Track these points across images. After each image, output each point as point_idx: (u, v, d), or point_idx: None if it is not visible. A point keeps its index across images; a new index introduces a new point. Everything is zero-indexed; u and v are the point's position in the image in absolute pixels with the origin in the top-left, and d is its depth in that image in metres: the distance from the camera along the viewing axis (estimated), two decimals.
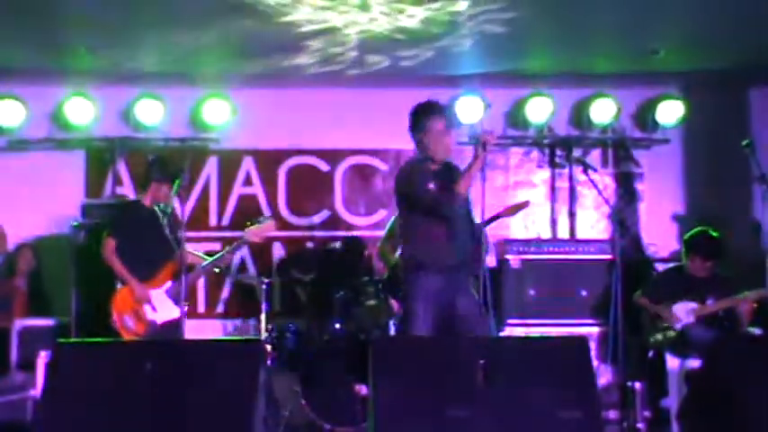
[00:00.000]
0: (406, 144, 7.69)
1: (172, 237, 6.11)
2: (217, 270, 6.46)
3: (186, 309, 5.92)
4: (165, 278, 6.04)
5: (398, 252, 6.33)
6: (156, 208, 6.15)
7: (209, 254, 6.43)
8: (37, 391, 5.86)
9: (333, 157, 8.26)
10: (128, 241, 6.05)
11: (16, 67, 7.46)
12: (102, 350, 4.66)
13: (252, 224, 6.19)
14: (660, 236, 8.12)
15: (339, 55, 7.30)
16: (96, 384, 4.42)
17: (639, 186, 8.34)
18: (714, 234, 6.80)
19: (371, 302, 6.86)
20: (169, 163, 6.27)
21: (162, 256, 6.05)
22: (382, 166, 8.24)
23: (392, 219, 6.78)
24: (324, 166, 8.26)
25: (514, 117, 8.21)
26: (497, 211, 6.35)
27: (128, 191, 8.01)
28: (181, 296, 5.83)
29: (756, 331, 6.55)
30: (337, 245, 7.95)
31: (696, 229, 6.94)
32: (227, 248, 6.29)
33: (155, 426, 4.33)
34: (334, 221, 8.21)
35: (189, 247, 6.24)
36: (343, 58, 7.36)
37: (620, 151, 8.32)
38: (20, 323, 6.85)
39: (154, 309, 6.00)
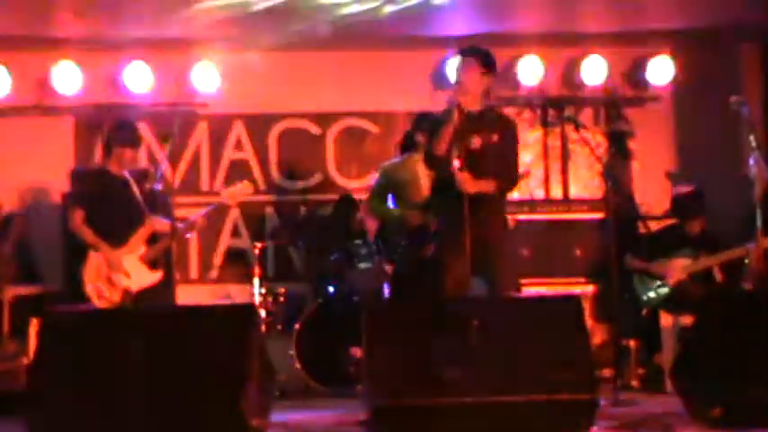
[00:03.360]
0: (398, 106, 7.70)
1: (154, 201, 6.04)
2: (189, 235, 6.38)
3: (161, 275, 5.85)
4: (137, 244, 5.96)
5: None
6: (126, 173, 6.04)
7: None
8: (28, 359, 5.84)
9: (324, 120, 8.21)
10: (96, 209, 5.96)
11: (2, 34, 7.38)
12: (93, 317, 4.66)
13: (228, 187, 6.16)
14: (652, 194, 8.11)
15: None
16: (88, 352, 4.43)
17: (631, 145, 8.32)
18: (692, 191, 6.82)
19: (365, 265, 6.86)
20: (131, 127, 6.15)
21: (133, 221, 5.97)
22: (374, 129, 8.19)
23: (380, 174, 6.68)
24: (315, 129, 8.21)
25: (505, 78, 8.15)
26: None
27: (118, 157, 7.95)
28: (157, 261, 5.77)
29: (748, 286, 6.57)
30: (330, 208, 7.92)
31: (676, 192, 6.96)
32: (199, 213, 6.20)
33: (147, 392, 4.33)
34: (326, 185, 8.18)
35: (181, 213, 6.22)
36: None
37: (612, 110, 8.29)
38: (10, 291, 6.84)
39: (128, 275, 5.91)
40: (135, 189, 6.01)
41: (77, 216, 5.94)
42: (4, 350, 6.42)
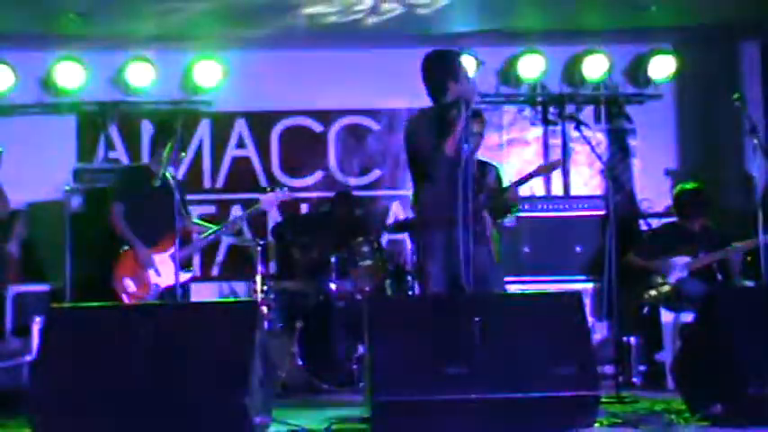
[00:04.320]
0: (400, 103, 7.70)
1: (179, 202, 6.11)
2: (228, 236, 6.46)
3: (192, 275, 5.94)
4: (169, 243, 6.03)
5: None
6: (167, 173, 6.11)
7: (204, 218, 6.44)
8: (32, 357, 5.87)
9: (326, 117, 8.24)
10: (134, 206, 6.05)
11: (5, 32, 7.40)
12: (96, 315, 4.67)
13: (267, 191, 6.23)
14: (653, 191, 8.13)
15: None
16: (91, 349, 4.44)
17: (632, 142, 8.34)
18: (696, 189, 6.83)
19: (367, 262, 6.88)
20: (169, 126, 6.23)
21: (168, 221, 6.02)
22: (376, 126, 8.21)
23: None
24: (317, 127, 8.23)
25: (507, 74, 8.17)
26: (529, 171, 6.35)
27: (120, 155, 7.99)
28: (187, 261, 5.84)
29: (748, 283, 6.59)
30: (329, 203, 7.94)
31: (686, 184, 6.96)
32: (237, 216, 6.31)
33: (150, 389, 4.35)
34: (328, 182, 8.20)
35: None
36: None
37: (613, 107, 8.31)
38: (14, 289, 6.85)
39: (158, 273, 6.01)
40: (173, 188, 6.07)
41: (116, 210, 6.01)
42: (7, 348, 6.44)
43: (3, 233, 7.32)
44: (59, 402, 4.38)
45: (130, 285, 5.96)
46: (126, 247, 6.04)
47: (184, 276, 6.02)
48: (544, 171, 6.77)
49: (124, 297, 5.94)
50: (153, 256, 6.01)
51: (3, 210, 5.97)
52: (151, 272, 5.99)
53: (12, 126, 7.83)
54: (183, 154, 6.14)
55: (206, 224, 6.39)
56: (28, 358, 6.07)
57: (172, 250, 6.00)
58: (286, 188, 6.55)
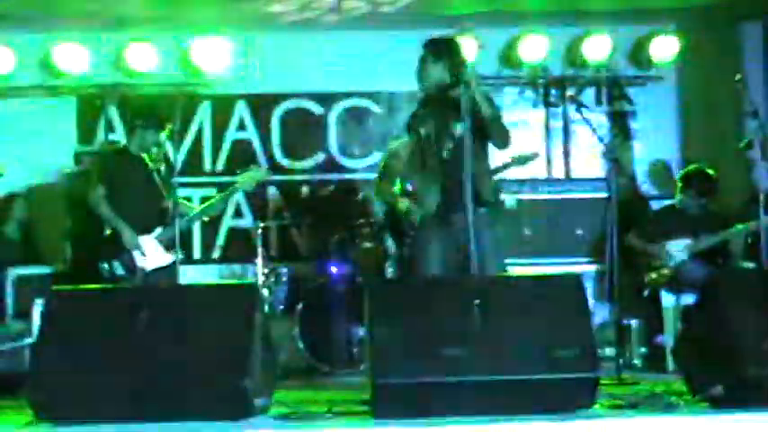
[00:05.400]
0: (400, 86, 7.68)
1: (162, 183, 6.09)
2: (206, 219, 6.45)
3: (178, 256, 5.92)
4: (153, 225, 6.03)
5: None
6: (145, 155, 6.12)
7: (205, 199, 6.44)
8: (33, 340, 5.87)
9: (326, 99, 8.22)
10: (116, 188, 6.04)
11: (4, 14, 7.37)
12: (96, 297, 4.68)
13: (243, 171, 6.19)
14: (654, 174, 8.13)
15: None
16: (91, 332, 4.45)
17: (634, 124, 8.32)
18: (708, 171, 6.82)
19: (367, 245, 6.87)
20: (155, 110, 6.21)
21: (151, 202, 6.04)
22: (376, 109, 8.19)
23: (384, 156, 6.70)
24: (317, 110, 8.22)
25: (508, 57, 8.14)
26: (503, 162, 6.35)
27: (120, 137, 7.97)
28: (172, 243, 5.84)
29: (749, 266, 6.58)
30: (331, 188, 7.93)
31: (691, 166, 6.95)
32: (218, 196, 6.31)
33: (151, 371, 4.35)
34: (328, 164, 8.19)
35: (183, 192, 6.26)
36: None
37: (615, 89, 8.28)
38: (14, 272, 6.86)
39: (143, 255, 6.00)
40: (154, 170, 6.07)
41: (98, 192, 6.00)
42: (8, 331, 6.45)
43: (2, 216, 7.33)
44: (60, 385, 4.39)
45: (117, 268, 5.95)
46: (111, 230, 6.03)
47: (168, 258, 6.01)
48: (518, 162, 6.78)
49: (113, 280, 5.91)
50: (138, 238, 5.99)
51: None
52: (137, 254, 5.98)
53: (12, 108, 7.82)
54: (169, 136, 6.10)
55: (189, 205, 6.37)
56: (29, 341, 6.09)
57: (157, 231, 6.00)
58: (264, 167, 6.49)
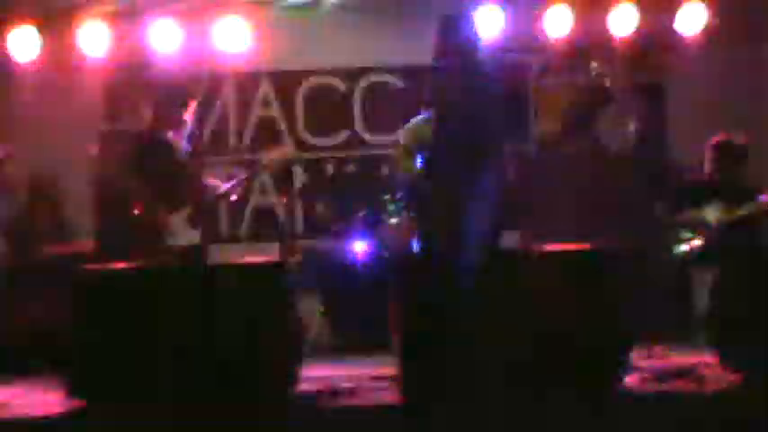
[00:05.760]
0: (424, 60, 7.62)
1: (189, 162, 6.10)
2: (234, 197, 6.45)
3: (206, 234, 5.94)
4: (183, 204, 6.04)
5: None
6: (170, 134, 6.12)
7: (230, 177, 6.43)
8: (65, 318, 5.90)
9: (350, 76, 8.18)
10: (146, 166, 6.05)
11: None
12: (126, 275, 4.70)
13: (268, 150, 6.19)
14: (685, 144, 8.02)
15: None
16: (120, 309, 4.47)
17: (662, 95, 8.21)
18: (739, 140, 6.73)
19: (393, 221, 6.85)
20: (179, 89, 6.22)
21: (179, 181, 6.05)
22: (400, 84, 8.15)
23: (404, 131, 6.66)
24: (341, 86, 8.19)
25: (533, 28, 8.05)
26: None
27: (145, 117, 7.97)
28: (200, 222, 5.84)
29: None
30: (355, 165, 7.90)
31: (722, 136, 6.86)
32: (245, 175, 6.30)
33: (178, 349, 4.37)
34: (353, 141, 8.17)
35: (208, 171, 6.26)
36: None
37: (642, 60, 8.17)
38: (45, 251, 6.91)
39: (172, 234, 6.00)
40: (181, 149, 6.07)
41: (128, 172, 6.01)
42: (40, 310, 6.50)
43: (30, 197, 7.37)
44: (91, 362, 4.42)
45: (147, 247, 5.95)
46: (140, 209, 6.03)
47: (196, 237, 6.01)
48: None
49: (145, 259, 5.92)
50: (166, 216, 6.00)
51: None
52: (166, 233, 5.98)
53: (39, 89, 7.83)
54: (200, 114, 6.10)
55: (216, 183, 6.36)
56: (61, 320, 6.12)
57: (187, 210, 6.01)
58: (291, 146, 6.48)
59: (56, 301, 6.27)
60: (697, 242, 6.64)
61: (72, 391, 4.58)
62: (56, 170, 7.56)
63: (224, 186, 6.22)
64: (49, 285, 6.61)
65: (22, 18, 7.59)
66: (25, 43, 7.60)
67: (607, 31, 7.94)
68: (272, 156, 6.21)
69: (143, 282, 4.65)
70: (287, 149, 6.38)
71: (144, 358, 4.38)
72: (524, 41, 8.01)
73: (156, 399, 4.31)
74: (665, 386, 4.45)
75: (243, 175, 6.32)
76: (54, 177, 7.52)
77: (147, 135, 6.23)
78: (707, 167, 6.83)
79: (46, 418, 4.34)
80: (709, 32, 7.96)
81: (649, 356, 5.46)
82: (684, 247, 6.69)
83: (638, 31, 7.97)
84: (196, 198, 6.01)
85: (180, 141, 6.13)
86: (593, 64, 8.09)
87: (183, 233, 5.99)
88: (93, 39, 7.64)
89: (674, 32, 8.01)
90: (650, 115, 8.15)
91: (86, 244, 7.14)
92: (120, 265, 4.79)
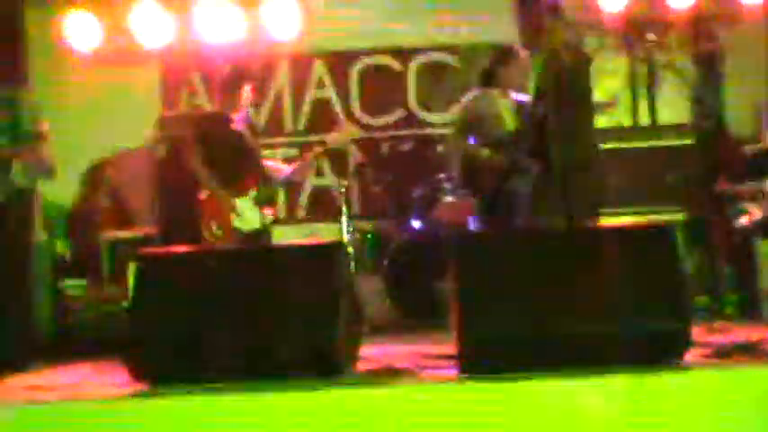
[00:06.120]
0: (478, 38, 7.59)
1: (255, 145, 6.16)
2: (300, 179, 6.49)
3: (272, 216, 6.01)
4: (249, 186, 6.10)
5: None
6: (237, 116, 6.18)
7: (287, 160, 6.49)
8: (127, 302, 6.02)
9: (405, 55, 8.18)
10: (213, 151, 6.11)
11: None
12: (186, 259, 4.77)
13: (331, 131, 6.23)
14: (744, 117, 7.88)
15: None
16: (183, 293, 4.54)
17: (721, 67, 8.07)
18: None
19: (449, 199, 6.85)
20: (236, 72, 6.28)
21: (246, 164, 6.11)
22: (455, 63, 8.12)
23: (458, 110, 6.64)
24: (396, 65, 8.19)
25: (588, 2, 7.95)
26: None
27: (203, 101, 8.06)
28: (266, 204, 5.92)
29: None
30: (411, 144, 7.91)
31: None
32: (310, 156, 6.34)
33: (240, 330, 4.43)
34: (408, 120, 8.17)
35: (266, 153, 6.33)
36: None
37: (700, 32, 8.03)
38: (107, 236, 7.03)
39: (239, 216, 6.07)
40: (248, 132, 6.14)
41: (196, 154, 6.08)
42: (104, 294, 6.63)
43: (91, 184, 7.51)
44: (154, 346, 4.50)
45: (213, 230, 6.03)
46: (207, 193, 6.11)
47: (264, 219, 6.08)
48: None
49: (211, 241, 6.02)
50: (233, 199, 6.07)
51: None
52: (233, 215, 6.05)
53: (99, 76, 7.95)
54: (256, 97, 6.16)
55: (281, 165, 6.42)
56: (124, 304, 6.24)
57: (253, 193, 6.07)
58: (353, 125, 6.53)
59: (119, 284, 6.43)
60: (758, 214, 6.55)
61: (137, 374, 4.67)
62: (116, 156, 7.72)
63: (289, 168, 6.27)
64: (112, 269, 6.77)
65: (81, 4, 7.70)
66: (84, 29, 7.71)
67: (663, 3, 7.83)
68: (335, 136, 6.26)
69: (207, 264, 4.71)
70: (349, 129, 6.39)
71: (208, 340, 4.45)
72: (580, 17, 7.93)
73: (220, 380, 4.37)
74: (727, 362, 4.40)
75: (307, 157, 6.36)
76: (115, 163, 7.65)
77: (211, 117, 6.29)
78: (766, 138, 6.73)
79: (113, 399, 4.43)
80: (767, 2, 7.81)
81: (711, 331, 5.40)
82: (745, 220, 6.61)
83: (695, 2, 7.85)
84: (261, 180, 6.07)
85: (241, 124, 6.19)
86: (649, 36, 7.99)
87: (248, 216, 6.06)
88: (151, 24, 7.73)
89: (732, 2, 7.87)
90: (708, 87, 8.02)
91: (147, 229, 7.26)
92: (184, 248, 4.86)
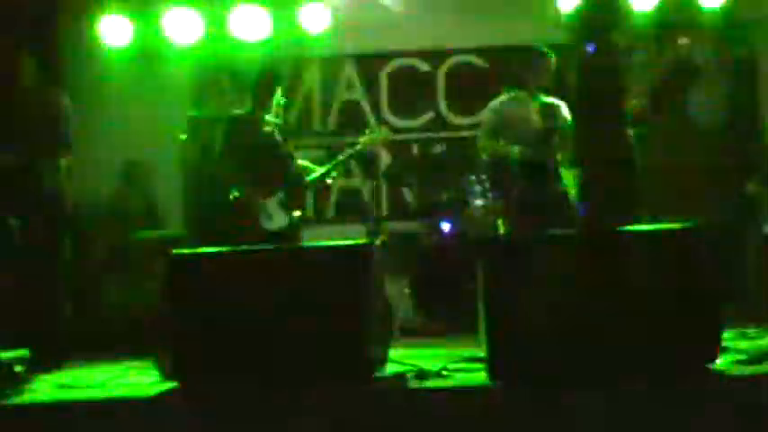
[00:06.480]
0: (507, 41, 7.56)
1: (282, 145, 6.18)
2: (330, 180, 6.50)
3: (299, 217, 6.03)
4: (277, 187, 6.12)
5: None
6: (268, 118, 6.20)
7: (315, 161, 6.50)
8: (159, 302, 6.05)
9: (434, 57, 8.17)
10: (242, 152, 6.13)
11: None
12: (216, 259, 4.78)
13: (365, 133, 6.26)
14: None
15: None
16: (212, 293, 4.55)
17: (754, 68, 8.00)
18: None
19: (479, 202, 6.83)
20: (266, 74, 6.30)
21: (275, 165, 6.13)
22: (484, 65, 8.10)
23: (486, 112, 6.62)
24: (426, 67, 8.18)
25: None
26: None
27: (232, 102, 8.08)
28: (294, 205, 5.95)
29: None
30: (441, 147, 7.90)
31: None
32: (340, 157, 6.36)
33: (270, 330, 4.44)
34: (437, 122, 8.16)
35: (296, 154, 6.35)
36: None
37: (732, 34, 7.96)
38: (139, 235, 7.08)
39: (268, 217, 6.09)
40: (272, 133, 6.15)
41: (225, 157, 6.10)
42: (133, 294, 6.68)
43: (125, 183, 7.56)
44: (184, 346, 4.52)
45: (243, 230, 6.05)
46: (236, 194, 6.13)
47: (292, 220, 6.09)
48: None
49: (239, 241, 6.03)
50: (262, 201, 6.08)
51: None
52: (262, 216, 6.06)
53: (129, 76, 7.99)
54: (284, 99, 6.18)
55: (311, 166, 6.43)
56: (156, 303, 6.27)
57: (281, 194, 6.08)
58: (385, 127, 6.54)
59: (149, 285, 6.47)
60: None
61: (166, 374, 4.70)
62: (147, 156, 7.76)
63: (319, 170, 6.29)
64: (142, 270, 6.81)
65: (114, 5, 7.75)
66: (116, 30, 7.76)
67: (695, 4, 7.77)
68: (368, 138, 6.27)
69: (236, 265, 4.72)
70: (382, 131, 6.42)
71: (237, 341, 4.46)
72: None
73: (249, 381, 4.39)
74: (759, 368, 4.36)
75: (339, 158, 6.37)
76: (145, 163, 7.70)
77: (242, 118, 6.32)
78: None
79: (142, 399, 4.46)
80: None
81: (743, 337, 5.36)
82: None
83: (728, 3, 7.78)
84: (290, 181, 6.09)
85: (270, 125, 6.21)
86: (682, 38, 7.94)
87: (277, 216, 6.08)
88: (182, 25, 7.76)
89: (765, 4, 7.80)
90: (741, 89, 7.96)
91: (177, 229, 7.30)
92: (213, 249, 4.88)
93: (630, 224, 5.33)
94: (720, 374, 4.26)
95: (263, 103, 6.16)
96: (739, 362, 4.44)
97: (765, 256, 6.64)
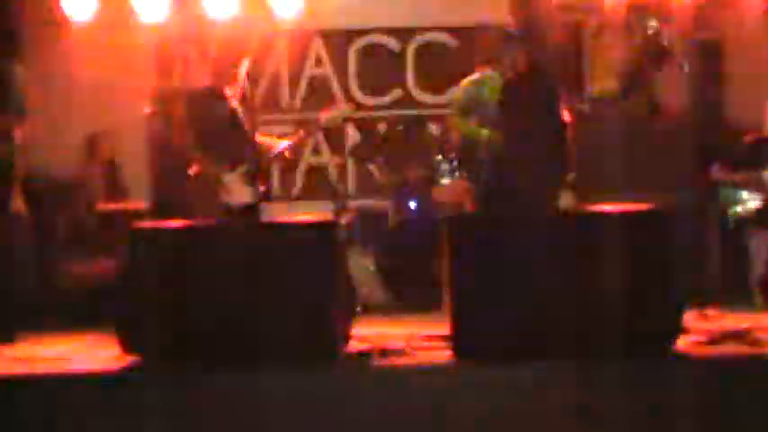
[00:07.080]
0: (478, 20, 7.54)
1: (244, 120, 6.12)
2: (291, 155, 6.46)
3: (262, 192, 5.98)
4: (240, 162, 6.07)
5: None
6: (231, 91, 6.14)
7: (283, 136, 6.45)
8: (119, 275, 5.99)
9: (404, 35, 8.13)
10: (204, 125, 6.08)
11: None
12: (179, 233, 4.74)
13: (324, 109, 6.20)
14: (745, 103, 7.87)
15: None
16: (173, 267, 4.52)
17: (721, 55, 8.04)
18: None
19: (446, 181, 6.83)
20: (232, 48, 6.22)
21: (235, 139, 6.07)
22: (454, 44, 8.08)
23: (458, 91, 6.61)
24: (395, 45, 8.14)
25: None
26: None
27: (197, 76, 7.99)
28: (256, 180, 5.88)
29: None
30: (408, 124, 7.87)
31: None
32: (301, 133, 6.31)
33: (232, 305, 4.42)
34: (406, 100, 8.13)
35: (262, 129, 6.29)
36: None
37: (702, 16, 7.99)
38: (100, 208, 7.01)
39: (228, 192, 6.03)
40: (236, 108, 6.09)
41: (187, 130, 6.05)
42: (96, 266, 6.62)
43: (88, 154, 7.48)
44: (144, 319, 4.49)
45: (204, 205, 5.99)
46: (197, 167, 6.07)
47: (254, 195, 6.04)
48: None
49: (200, 216, 5.97)
50: (223, 175, 6.02)
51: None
52: (222, 191, 6.00)
53: (93, 49, 7.89)
54: (248, 73, 6.12)
55: (272, 141, 6.37)
56: (115, 276, 6.21)
57: (242, 168, 6.02)
58: (347, 104, 6.49)
59: (111, 257, 6.41)
60: (754, 203, 6.54)
61: (127, 347, 4.66)
62: (111, 129, 7.67)
63: (281, 145, 6.23)
64: (104, 242, 6.74)
65: None
66: (81, 3, 7.65)
67: None
68: (329, 114, 6.22)
69: (198, 239, 4.69)
70: (344, 107, 6.37)
71: (198, 316, 4.43)
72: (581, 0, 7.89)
73: (209, 356, 4.36)
74: (719, 349, 4.40)
75: (300, 134, 6.33)
76: (109, 135, 7.61)
77: (203, 92, 6.25)
78: (766, 127, 6.72)
79: (103, 372, 4.42)
80: None
81: (703, 319, 5.40)
82: (741, 208, 6.60)
83: None
84: (252, 156, 6.03)
85: (234, 99, 6.15)
86: (651, 22, 7.94)
87: (238, 191, 6.02)
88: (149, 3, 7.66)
89: None
90: (708, 74, 8.00)
91: (141, 202, 7.24)
92: (176, 223, 4.83)
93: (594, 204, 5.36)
94: (681, 355, 4.30)
95: (226, 76, 6.09)
96: (700, 343, 4.48)
97: (725, 238, 6.71)
